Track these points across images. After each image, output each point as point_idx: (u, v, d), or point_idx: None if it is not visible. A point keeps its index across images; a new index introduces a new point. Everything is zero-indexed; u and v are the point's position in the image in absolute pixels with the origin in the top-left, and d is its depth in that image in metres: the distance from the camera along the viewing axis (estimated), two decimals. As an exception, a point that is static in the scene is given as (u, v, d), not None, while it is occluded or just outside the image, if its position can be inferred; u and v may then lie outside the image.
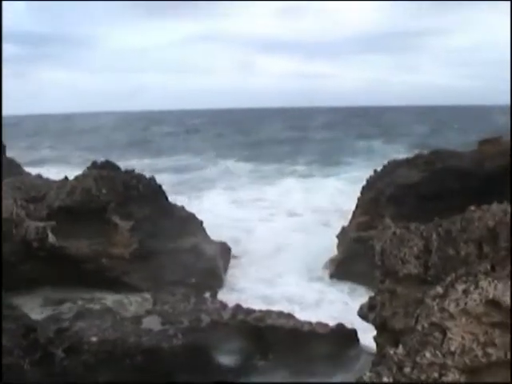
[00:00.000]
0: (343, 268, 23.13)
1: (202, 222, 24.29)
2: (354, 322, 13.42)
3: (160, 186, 23.60)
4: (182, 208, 24.30)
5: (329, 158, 60.42)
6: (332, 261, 24.34)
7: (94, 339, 13.67)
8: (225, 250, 23.63)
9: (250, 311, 15.49)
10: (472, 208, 7.38)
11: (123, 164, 25.85)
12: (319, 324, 15.25)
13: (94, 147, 73.41)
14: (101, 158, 25.28)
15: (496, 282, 6.01)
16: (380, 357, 7.61)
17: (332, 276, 23.49)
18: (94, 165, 24.49)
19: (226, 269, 23.17)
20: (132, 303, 15.96)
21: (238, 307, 15.79)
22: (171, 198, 24.22)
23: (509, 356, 5.79)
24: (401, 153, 47.97)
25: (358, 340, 15.02)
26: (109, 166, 24.46)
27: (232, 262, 23.97)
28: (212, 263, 22.09)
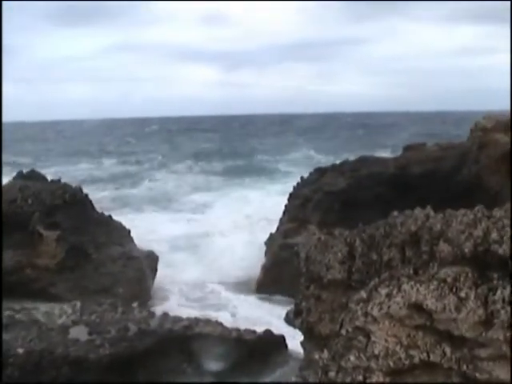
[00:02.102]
0: (270, 275, 23.24)
1: (129, 231, 24.14)
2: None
3: (86, 195, 23.41)
4: (110, 217, 24.12)
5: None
6: (260, 267, 24.44)
7: (20, 351, 13.47)
8: (152, 259, 23.50)
9: (177, 319, 15.48)
10: (395, 213, 7.48)
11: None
12: (247, 331, 15.34)
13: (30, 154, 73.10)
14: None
15: (418, 285, 6.11)
16: (307, 362, 7.68)
17: (259, 283, 23.59)
18: (20, 175, 24.19)
19: (153, 277, 23.05)
20: (59, 313, 15.75)
21: (165, 315, 15.76)
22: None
23: (431, 358, 5.91)
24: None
25: (286, 346, 15.12)
26: (34, 175, 24.20)
27: (161, 270, 23.83)
28: (139, 272, 21.96)
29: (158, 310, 17.53)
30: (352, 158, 27.68)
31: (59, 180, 23.93)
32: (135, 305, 17.51)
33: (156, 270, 23.40)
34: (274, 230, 25.99)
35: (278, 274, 22.34)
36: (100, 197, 37.75)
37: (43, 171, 26.61)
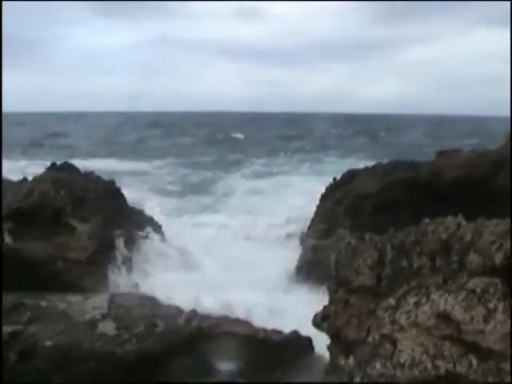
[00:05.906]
0: (301, 276, 23.14)
1: (160, 226, 24.21)
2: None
3: (119, 189, 23.50)
4: (141, 212, 24.21)
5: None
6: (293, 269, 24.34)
7: (48, 343, 13.55)
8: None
9: (205, 317, 15.47)
10: (426, 221, 7.44)
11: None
12: (274, 331, 15.30)
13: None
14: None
15: (447, 295, 6.08)
16: (332, 366, 7.68)
17: (290, 281, 23.47)
18: (53, 166, 24.35)
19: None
20: (87, 307, 15.82)
21: (193, 313, 15.76)
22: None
23: (458, 369, 5.88)
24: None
25: (312, 348, 15.06)
26: (67, 167, 24.36)
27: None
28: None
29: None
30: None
31: (92, 172, 24.03)
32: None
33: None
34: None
35: (308, 275, 22.24)
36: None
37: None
